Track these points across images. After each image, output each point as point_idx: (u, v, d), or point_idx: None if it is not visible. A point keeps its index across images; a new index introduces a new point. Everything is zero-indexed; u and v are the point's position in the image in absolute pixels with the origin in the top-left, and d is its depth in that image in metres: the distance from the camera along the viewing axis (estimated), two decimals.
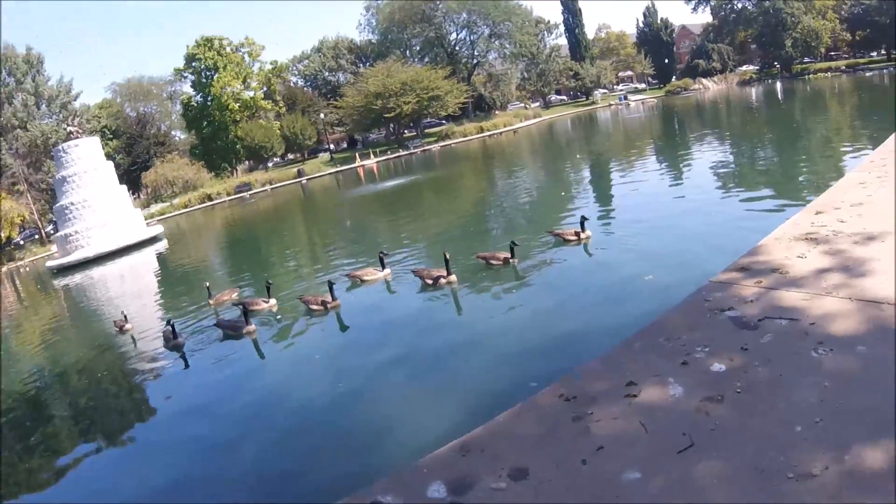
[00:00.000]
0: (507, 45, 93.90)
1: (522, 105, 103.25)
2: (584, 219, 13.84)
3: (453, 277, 12.58)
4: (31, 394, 13.95)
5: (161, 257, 35.52)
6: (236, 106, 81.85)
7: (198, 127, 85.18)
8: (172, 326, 12.97)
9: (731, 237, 11.54)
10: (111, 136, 78.67)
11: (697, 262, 10.58)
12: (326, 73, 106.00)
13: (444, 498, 3.78)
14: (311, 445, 7.87)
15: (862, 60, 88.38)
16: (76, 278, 34.92)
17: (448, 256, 12.64)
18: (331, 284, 12.81)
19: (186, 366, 12.12)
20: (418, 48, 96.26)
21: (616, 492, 3.50)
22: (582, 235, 13.71)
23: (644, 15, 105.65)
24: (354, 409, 8.43)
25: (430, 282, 12.75)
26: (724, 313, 5.47)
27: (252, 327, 12.44)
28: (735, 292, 5.90)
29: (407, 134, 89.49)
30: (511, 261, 12.96)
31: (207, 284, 16.52)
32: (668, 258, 11.49)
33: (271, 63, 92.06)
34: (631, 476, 3.60)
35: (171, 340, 12.90)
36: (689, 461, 3.61)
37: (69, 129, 47.30)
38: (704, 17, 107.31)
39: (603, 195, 21.64)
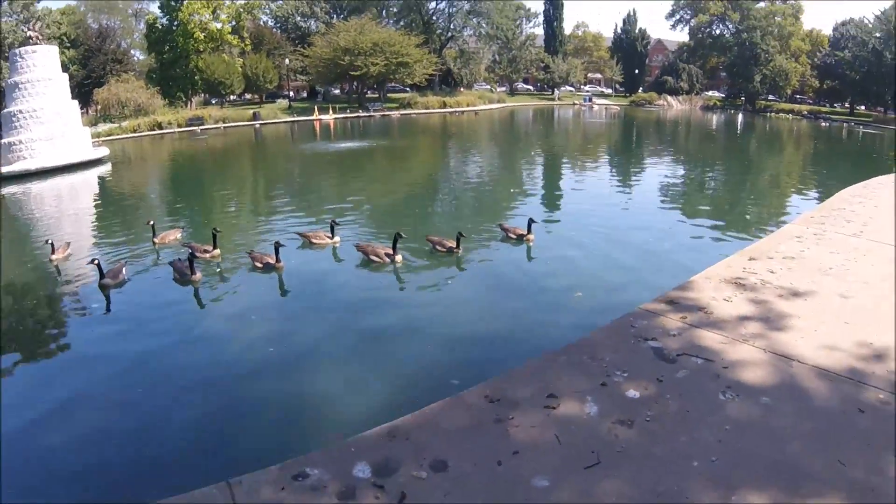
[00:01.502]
0: (484, 25, 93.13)
1: (488, 87, 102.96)
2: (531, 221, 14.24)
3: (399, 258, 12.83)
4: None
5: (103, 182, 34.75)
6: (202, 36, 79.50)
7: (159, 51, 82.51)
8: (99, 265, 12.59)
9: (664, 266, 12.14)
10: (69, 45, 75.70)
11: (628, 285, 11.13)
12: (298, 18, 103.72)
13: (368, 478, 4.02)
14: (235, 408, 7.93)
15: (824, 109, 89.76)
16: (13, 189, 34.01)
17: (400, 237, 12.86)
18: (277, 247, 12.85)
19: (108, 309, 11.90)
20: (395, 10, 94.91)
21: (525, 495, 3.85)
22: (527, 236, 14.08)
23: (624, 21, 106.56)
24: (284, 377, 8.54)
25: (375, 259, 12.96)
26: (647, 342, 5.81)
27: (198, 276, 12.43)
28: (660, 323, 6.25)
29: (369, 95, 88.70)
30: (455, 251, 13.26)
31: (152, 223, 16.25)
32: (603, 275, 11.99)
33: None
34: (540, 483, 3.95)
35: (104, 278, 12.49)
36: (594, 477, 3.98)
37: (29, 33, 45.57)
38: (682, 35, 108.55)
39: (552, 196, 22.08)
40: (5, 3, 68.16)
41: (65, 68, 44.79)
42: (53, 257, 15.22)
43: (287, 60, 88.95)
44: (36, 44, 43.11)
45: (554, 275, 12.24)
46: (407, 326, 10.04)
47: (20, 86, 40.67)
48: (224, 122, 68.97)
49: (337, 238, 14.54)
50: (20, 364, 9.89)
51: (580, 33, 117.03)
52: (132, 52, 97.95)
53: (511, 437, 4.42)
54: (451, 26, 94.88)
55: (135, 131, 64.47)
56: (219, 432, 7.40)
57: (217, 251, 13.98)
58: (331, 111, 73.56)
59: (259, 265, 12.97)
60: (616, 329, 6.20)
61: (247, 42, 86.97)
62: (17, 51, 42.68)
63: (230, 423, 7.56)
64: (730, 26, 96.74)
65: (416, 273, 12.77)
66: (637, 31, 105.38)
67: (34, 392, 8.77)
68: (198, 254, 13.55)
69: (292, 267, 13.13)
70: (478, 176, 27.69)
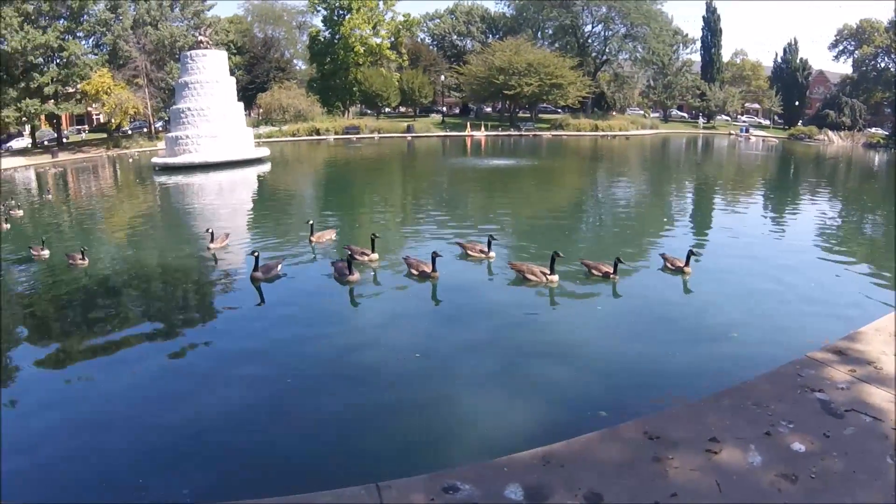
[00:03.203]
0: (640, 49, 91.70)
1: (641, 112, 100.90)
2: (690, 253, 13.28)
3: (555, 278, 12.27)
4: (104, 274, 14.72)
5: (262, 179, 36.20)
6: (361, 50, 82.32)
7: (320, 62, 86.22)
8: (257, 258, 13.05)
9: (826, 312, 10.88)
10: (235, 51, 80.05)
11: (788, 329, 10.05)
12: (454, 37, 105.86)
13: (520, 501, 3.99)
14: (379, 409, 7.78)
15: None
16: (177, 179, 35.91)
17: (558, 256, 12.35)
18: (434, 256, 12.72)
19: (262, 301, 12.22)
20: (550, 32, 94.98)
21: None
22: (684, 268, 13.19)
23: (784, 50, 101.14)
24: (429, 385, 8.34)
25: (531, 277, 12.45)
26: (814, 394, 5.52)
27: (356, 276, 12.51)
28: (827, 374, 5.90)
29: (521, 114, 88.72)
30: (612, 276, 12.57)
31: (311, 222, 16.73)
32: (760, 316, 10.84)
33: (404, 15, 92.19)
34: None
35: (256, 271, 12.88)
36: None
37: (200, 37, 48.41)
38: (845, 67, 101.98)
39: (705, 228, 20.74)
40: (177, 9, 72.71)
41: (231, 73, 47.07)
42: (212, 246, 15.76)
43: (442, 77, 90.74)
44: (206, 48, 45.53)
45: (710, 311, 11.33)
46: (556, 349, 9.55)
47: (189, 85, 43.06)
48: (378, 133, 71.00)
49: (492, 253, 14.19)
50: (163, 343, 10.28)
51: (738, 61, 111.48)
52: (295, 61, 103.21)
53: (669, 478, 4.27)
54: (607, 49, 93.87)
55: (293, 135, 67.43)
56: (362, 432, 7.28)
57: (375, 255, 14.06)
58: (482, 128, 74.07)
59: (415, 272, 12.85)
60: (782, 376, 5.94)
61: (404, 57, 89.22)
62: (188, 53, 45.39)
63: (374, 425, 7.43)
64: None
65: (569, 295, 12.14)
66: (798, 60, 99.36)
67: (173, 375, 9.02)
68: (356, 256, 13.68)
69: (446, 277, 12.84)
70: (628, 202, 26.65)
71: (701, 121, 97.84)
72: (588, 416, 7.16)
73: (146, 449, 7.07)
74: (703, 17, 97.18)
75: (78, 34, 65.51)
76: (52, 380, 9.09)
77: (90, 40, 69.10)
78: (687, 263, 13.14)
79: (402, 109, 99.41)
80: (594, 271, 12.81)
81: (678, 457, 4.47)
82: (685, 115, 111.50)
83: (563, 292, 12.18)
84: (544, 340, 9.89)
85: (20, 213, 24.28)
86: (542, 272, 12.36)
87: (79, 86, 64.71)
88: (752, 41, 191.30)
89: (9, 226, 21.07)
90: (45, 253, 15.70)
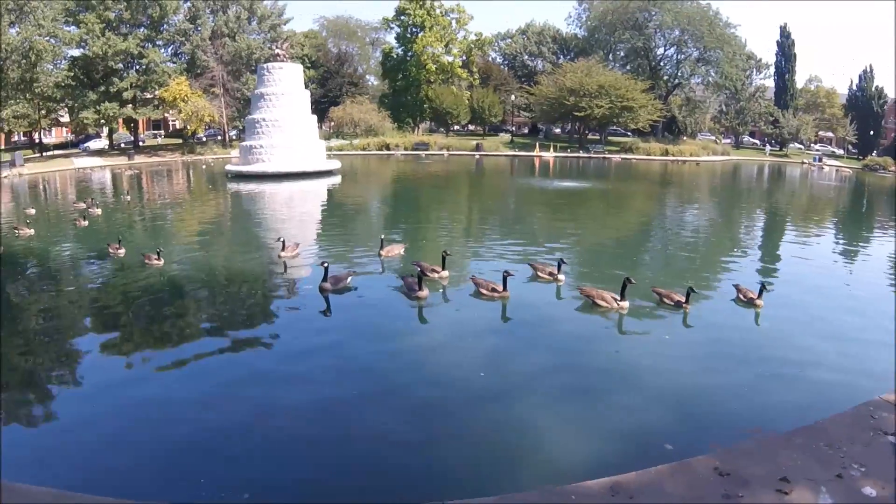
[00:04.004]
0: (713, 74, 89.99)
1: (713, 138, 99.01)
2: (763, 286, 12.81)
3: (626, 304, 12.01)
4: (177, 275, 15.19)
5: (332, 191, 36.62)
6: (433, 67, 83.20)
7: (392, 78, 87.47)
8: (326, 269, 13.19)
9: None
10: (310, 65, 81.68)
11: (859, 369, 9.59)
12: (525, 57, 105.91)
13: None
14: (441, 426, 7.77)
15: None
16: (250, 187, 36.59)
17: (630, 282, 12.10)
18: (506, 276, 12.63)
19: (329, 311, 12.32)
20: (622, 54, 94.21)
21: None
22: (756, 301, 12.74)
23: (860, 77, 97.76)
24: (493, 405, 8.24)
25: (602, 303, 12.19)
26: (887, 437, 5.43)
27: (425, 293, 12.47)
28: None
29: (590, 136, 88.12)
30: (684, 306, 12.22)
31: (383, 237, 16.88)
32: (833, 353, 10.37)
33: (476, 35, 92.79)
34: None
35: (325, 282, 13.01)
36: None
37: (277, 51, 49.48)
38: None
39: (775, 260, 19.92)
40: (255, 22, 74.54)
41: (305, 86, 48.00)
42: (282, 254, 15.98)
43: (512, 96, 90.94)
44: (283, 61, 46.47)
45: (781, 345, 10.88)
46: (623, 376, 9.34)
47: (265, 97, 43.99)
48: (448, 150, 71.24)
49: (562, 276, 13.96)
50: (228, 346, 10.51)
51: (813, 87, 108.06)
52: (367, 77, 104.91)
53: None
54: (679, 73, 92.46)
55: (364, 149, 68.34)
56: (428, 449, 7.24)
57: (445, 272, 14.02)
58: (551, 149, 73.79)
59: (485, 292, 12.73)
60: (854, 418, 5.86)
61: (475, 76, 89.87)
62: (264, 65, 46.48)
63: (439, 443, 7.39)
64: None
65: (639, 323, 11.85)
66: (873, 88, 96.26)
67: (239, 378, 9.14)
68: (427, 272, 13.68)
69: (516, 297, 12.71)
70: (697, 229, 25.92)
71: (767, 148, 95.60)
72: (654, 447, 7.00)
73: (207, 447, 7.22)
74: (777, 41, 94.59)
75: (157, 42, 68.39)
76: (119, 371, 9.43)
77: (169, 49, 72.07)
78: (759, 296, 12.70)
79: (472, 127, 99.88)
80: (666, 299, 12.47)
81: (749, 495, 4.42)
82: (757, 141, 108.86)
83: (632, 319, 11.91)
84: (611, 367, 9.71)
85: (98, 211, 25.13)
86: (612, 297, 12.11)
87: (157, 92, 67.37)
88: (827, 67, 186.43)
89: (87, 223, 21.89)
90: (122, 251, 16.33)
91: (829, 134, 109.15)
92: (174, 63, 70.77)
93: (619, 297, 12.09)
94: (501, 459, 7.01)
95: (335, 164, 45.00)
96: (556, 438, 7.48)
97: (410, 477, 6.62)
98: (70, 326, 11.89)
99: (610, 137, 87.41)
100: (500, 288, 12.60)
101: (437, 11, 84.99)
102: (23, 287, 14.99)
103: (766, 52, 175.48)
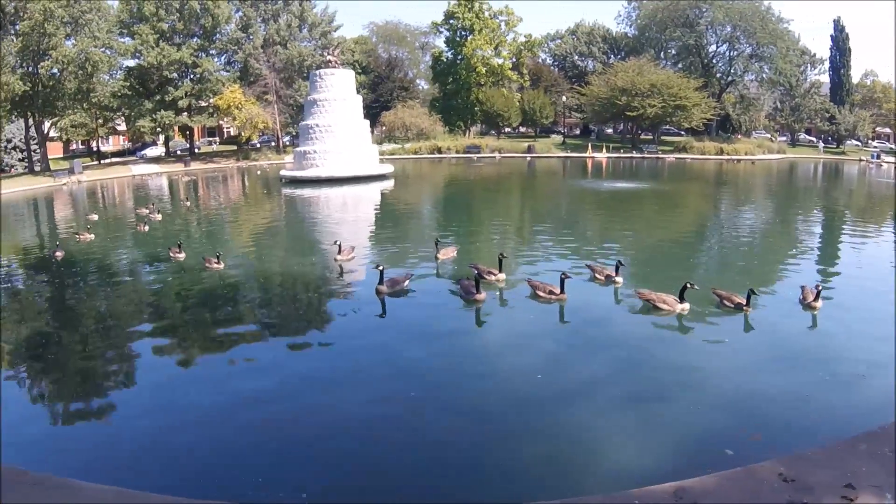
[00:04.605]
0: (767, 70, 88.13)
1: (768, 136, 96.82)
2: (819, 289, 12.46)
3: (686, 307, 11.82)
4: (236, 278, 15.62)
5: (385, 195, 36.84)
6: (483, 70, 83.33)
7: (442, 82, 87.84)
8: (382, 272, 13.23)
9: None
10: (360, 71, 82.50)
11: None
12: (576, 57, 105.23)
13: None
14: (499, 428, 7.73)
15: None
16: (304, 192, 37.04)
17: (691, 286, 11.89)
18: (563, 278, 12.53)
19: (384, 313, 12.46)
20: (674, 52, 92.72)
21: None
22: (813, 304, 12.40)
23: None
24: (550, 407, 8.18)
25: (663, 306, 12.00)
26: None
27: (482, 296, 12.44)
28: None
29: (643, 136, 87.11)
30: (745, 308, 11.95)
31: (437, 240, 16.92)
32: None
33: (525, 36, 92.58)
34: None
35: (381, 285, 13.11)
36: None
37: (328, 57, 49.98)
38: None
39: (832, 262, 19.22)
40: (305, 30, 75.50)
41: (357, 91, 48.50)
42: (339, 257, 16.14)
43: (563, 97, 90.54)
44: (334, 67, 46.96)
45: (842, 349, 10.53)
46: (682, 379, 9.18)
47: (318, 103, 44.55)
48: (499, 152, 71.36)
49: (620, 278, 13.81)
50: (288, 346, 10.80)
51: (868, 82, 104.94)
52: (417, 81, 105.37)
53: None
54: (732, 70, 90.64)
55: (415, 153, 68.75)
56: (488, 452, 7.17)
57: (502, 275, 13.94)
58: (603, 150, 73.21)
59: (542, 294, 12.66)
60: None
61: (525, 78, 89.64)
62: (317, 72, 47.11)
63: (500, 445, 7.33)
64: None
65: (699, 325, 11.61)
66: None
67: (298, 379, 9.27)
68: (484, 275, 13.63)
69: (573, 300, 12.60)
70: (754, 230, 25.23)
71: (820, 145, 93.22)
72: (715, 452, 6.90)
73: (265, 447, 7.30)
74: (831, 35, 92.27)
75: (211, 52, 69.85)
76: (177, 371, 9.77)
77: (222, 58, 73.51)
78: (816, 299, 12.37)
79: (523, 130, 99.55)
80: (726, 302, 12.21)
81: (812, 502, 4.42)
82: (813, 138, 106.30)
83: (693, 321, 11.69)
84: (670, 370, 9.54)
85: (158, 217, 25.73)
86: (674, 300, 11.93)
87: (211, 100, 68.66)
88: (882, 61, 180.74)
89: (147, 228, 22.46)
90: (182, 255, 16.70)
91: (887, 130, 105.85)
92: (227, 71, 72.31)
93: (679, 299, 11.93)
94: (563, 462, 6.97)
95: (388, 168, 45.34)
96: (615, 441, 7.42)
97: (473, 480, 6.58)
98: (130, 325, 12.26)
99: (663, 137, 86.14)
100: (558, 290, 12.51)
101: (486, 14, 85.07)
102: (95, 288, 15.59)
103: (821, 47, 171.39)
